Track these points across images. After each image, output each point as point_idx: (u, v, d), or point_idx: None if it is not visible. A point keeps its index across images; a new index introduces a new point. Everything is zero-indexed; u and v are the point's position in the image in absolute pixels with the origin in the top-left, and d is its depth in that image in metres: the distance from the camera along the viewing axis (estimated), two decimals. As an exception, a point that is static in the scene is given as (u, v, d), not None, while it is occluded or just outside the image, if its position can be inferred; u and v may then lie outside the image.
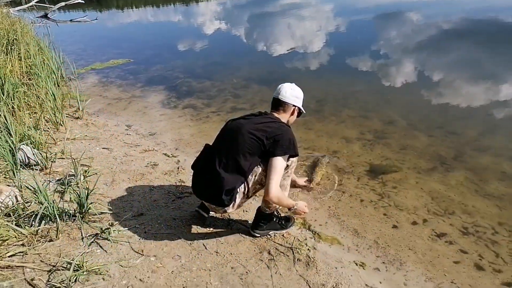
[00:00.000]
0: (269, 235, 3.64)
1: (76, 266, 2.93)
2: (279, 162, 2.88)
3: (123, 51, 12.56)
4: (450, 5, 16.63)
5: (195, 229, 3.73)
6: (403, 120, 6.28)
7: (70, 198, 3.81)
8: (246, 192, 3.14)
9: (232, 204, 3.03)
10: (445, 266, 3.33)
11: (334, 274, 3.14)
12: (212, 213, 3.85)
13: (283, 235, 3.67)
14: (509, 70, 8.10)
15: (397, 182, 4.59)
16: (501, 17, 12.88)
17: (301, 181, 4.45)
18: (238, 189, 2.97)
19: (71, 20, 21.03)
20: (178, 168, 4.95)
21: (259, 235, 3.46)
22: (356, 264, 3.33)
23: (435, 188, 4.43)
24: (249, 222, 3.75)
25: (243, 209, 4.03)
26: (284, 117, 3.28)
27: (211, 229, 3.74)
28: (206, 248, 3.44)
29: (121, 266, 3.12)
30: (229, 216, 3.96)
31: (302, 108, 3.36)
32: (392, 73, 8.61)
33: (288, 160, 3.05)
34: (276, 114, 3.24)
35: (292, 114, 3.28)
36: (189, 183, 4.33)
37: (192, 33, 15.87)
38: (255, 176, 3.02)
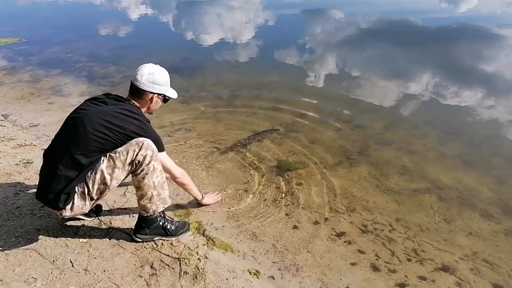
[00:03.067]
0: (155, 243, 3.14)
1: None
2: (161, 155, 2.84)
3: (16, 29, 10.86)
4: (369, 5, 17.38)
5: (64, 241, 3.09)
6: (315, 113, 6.15)
7: None
8: (87, 193, 2.63)
9: (69, 206, 2.61)
10: (342, 269, 3.15)
11: (224, 287, 2.75)
12: (89, 220, 3.25)
13: (171, 244, 3.19)
14: (417, 68, 8.49)
15: (303, 179, 4.38)
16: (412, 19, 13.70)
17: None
18: (76, 189, 2.57)
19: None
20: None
21: (141, 240, 3.04)
22: (250, 273, 2.99)
23: (339, 184, 4.30)
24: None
25: (129, 214, 3.46)
26: (143, 104, 2.88)
27: (85, 240, 3.13)
28: (73, 266, 2.84)
29: None
30: (111, 222, 3.38)
31: (167, 94, 2.94)
32: (310, 67, 8.56)
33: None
34: (134, 101, 2.83)
35: (151, 101, 2.86)
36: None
37: (110, 16, 14.42)
38: (97, 173, 2.52)
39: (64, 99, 6.32)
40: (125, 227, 3.35)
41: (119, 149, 2.58)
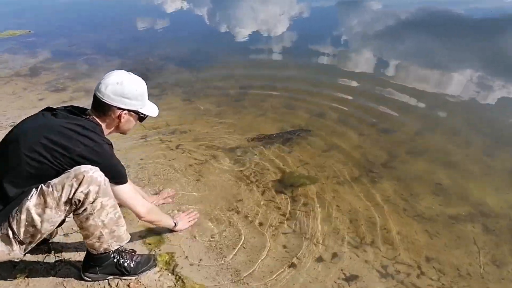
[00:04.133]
0: (109, 283, 2.47)
1: None
2: (121, 189, 2.21)
3: (25, 21, 10.57)
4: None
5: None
6: (335, 113, 5.27)
7: None
8: (13, 236, 1.94)
9: None
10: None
11: None
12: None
13: (129, 285, 2.51)
14: (459, 63, 7.34)
15: (310, 198, 3.57)
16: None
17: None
18: None
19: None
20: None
21: (90, 280, 2.51)
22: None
23: (355, 206, 3.44)
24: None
25: (80, 244, 2.81)
26: (108, 123, 2.27)
27: (23, 276, 2.50)
28: (-2, 314, 2.18)
29: None
30: (62, 252, 2.77)
31: (142, 111, 2.23)
32: (335, 60, 7.62)
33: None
34: (95, 117, 2.18)
35: (120, 119, 2.15)
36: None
37: (119, 7, 13.95)
38: (22, 213, 1.80)
39: (57, 95, 5.80)
40: (77, 259, 2.70)
41: (53, 181, 1.92)
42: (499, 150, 4.42)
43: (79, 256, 2.73)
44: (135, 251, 2.72)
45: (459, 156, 4.30)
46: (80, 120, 2.09)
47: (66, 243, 2.89)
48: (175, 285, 2.58)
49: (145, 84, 2.37)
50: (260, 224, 3.24)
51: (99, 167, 1.98)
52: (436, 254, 2.98)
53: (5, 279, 2.50)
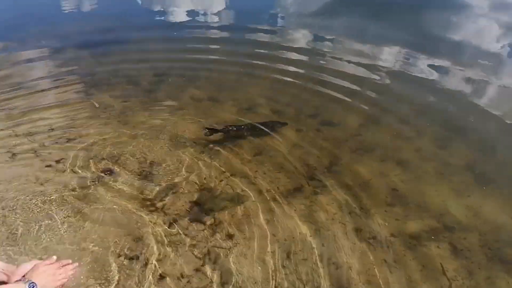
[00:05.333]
0: None
1: None
2: None
3: None
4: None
5: None
6: (267, 104, 4.36)
7: None
8: None
9: None
10: None
11: None
12: None
13: None
14: (401, 44, 6.78)
15: (236, 225, 2.67)
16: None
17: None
18: None
19: None
20: None
21: None
22: None
23: (292, 232, 2.60)
24: None
25: None
26: None
27: None
28: None
29: None
30: None
31: None
32: (266, 43, 6.66)
33: None
34: None
35: None
36: None
37: None
38: None
39: None
40: None
41: None
42: (452, 140, 3.85)
43: None
44: None
45: (411, 152, 3.66)
46: None
47: None
48: None
49: None
50: (162, 277, 2.25)
51: None
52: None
53: None
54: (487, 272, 2.43)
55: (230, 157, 3.43)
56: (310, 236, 2.65)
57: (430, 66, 5.59)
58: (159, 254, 2.40)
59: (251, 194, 2.99)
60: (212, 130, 3.64)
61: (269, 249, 2.52)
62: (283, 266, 2.41)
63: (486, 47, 6.87)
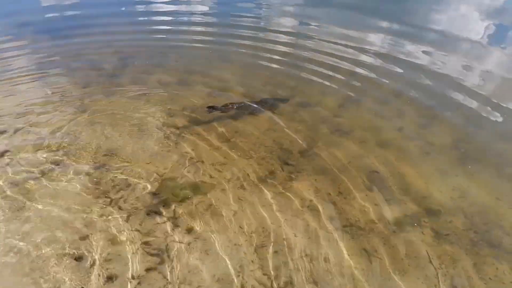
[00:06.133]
0: None
1: None
2: None
3: None
4: None
5: None
6: (241, 86, 4.08)
7: None
8: None
9: None
10: None
11: None
12: None
13: None
14: (380, 23, 6.50)
15: (201, 215, 2.37)
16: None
17: None
18: None
19: None
20: None
21: None
22: None
23: (266, 225, 2.32)
24: None
25: None
26: None
27: None
28: None
29: None
30: None
31: None
32: (242, 25, 6.28)
33: None
34: None
35: None
36: None
37: None
38: None
39: None
40: None
41: None
42: (435, 118, 3.62)
43: None
44: None
45: (393, 132, 3.41)
46: None
47: None
48: None
49: None
50: (109, 279, 1.96)
51: None
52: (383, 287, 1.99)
53: None
54: (473, 258, 2.22)
55: (198, 143, 3.13)
56: (282, 226, 2.39)
57: (409, 47, 5.35)
58: (109, 253, 2.10)
59: (218, 182, 2.71)
60: (213, 108, 3.49)
61: (235, 242, 2.25)
62: (251, 262, 2.14)
63: (467, 29, 6.64)
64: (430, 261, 2.17)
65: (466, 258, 2.21)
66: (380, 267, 2.15)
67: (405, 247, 2.29)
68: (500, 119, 3.50)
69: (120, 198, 2.51)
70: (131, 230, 2.27)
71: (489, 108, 3.68)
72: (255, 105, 3.54)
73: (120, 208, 2.43)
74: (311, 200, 2.61)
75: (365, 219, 2.48)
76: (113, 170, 2.75)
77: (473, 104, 3.76)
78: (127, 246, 2.16)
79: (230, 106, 3.50)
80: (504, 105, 3.67)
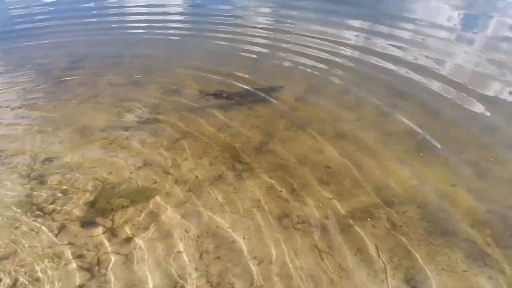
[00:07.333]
0: None
1: None
2: None
3: None
4: None
5: None
6: (194, 83, 3.90)
7: None
8: None
9: None
10: None
11: None
12: None
13: None
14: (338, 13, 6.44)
15: (143, 222, 2.21)
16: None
17: None
18: None
19: None
20: None
21: None
22: None
23: (209, 226, 2.18)
24: None
25: None
26: None
27: None
28: None
29: None
30: None
31: None
32: (194, 25, 6.12)
33: None
34: None
35: None
36: None
37: None
38: None
39: None
40: None
41: None
42: (394, 106, 3.56)
43: None
44: None
45: (351, 123, 3.32)
46: None
47: None
48: None
49: None
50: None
51: None
52: (330, 285, 1.87)
53: None
54: (427, 248, 2.13)
55: (146, 145, 2.97)
56: (230, 228, 2.25)
57: (367, 37, 5.28)
58: (35, 272, 1.91)
59: (164, 186, 2.55)
60: (205, 94, 3.54)
61: (178, 249, 2.09)
62: (195, 269, 2.00)
63: (430, 19, 6.65)
64: (379, 255, 2.07)
65: (419, 249, 2.13)
66: (331, 265, 2.04)
67: (357, 242, 2.19)
68: (457, 106, 3.45)
69: (54, 209, 2.31)
70: (63, 244, 2.08)
71: (447, 96, 3.63)
72: (256, 91, 3.60)
73: (53, 219, 2.24)
74: (262, 199, 2.48)
75: (318, 215, 2.37)
76: (50, 180, 2.55)
77: (432, 91, 3.71)
78: (57, 262, 1.97)
79: (220, 93, 3.54)
80: (462, 93, 3.63)
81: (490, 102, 3.45)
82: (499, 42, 4.82)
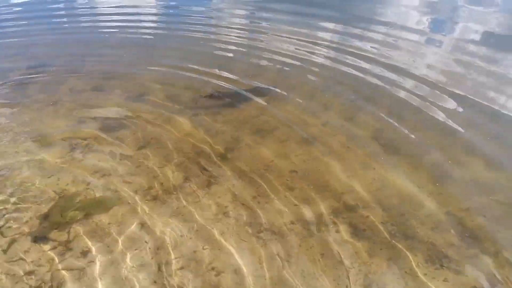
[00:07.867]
0: None
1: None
2: None
3: None
4: None
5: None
6: (159, 89, 3.83)
7: None
8: None
9: None
10: None
11: None
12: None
13: None
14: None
15: (99, 235, 2.12)
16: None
17: None
18: None
19: None
20: None
21: None
22: None
23: (169, 237, 2.13)
24: None
25: None
26: None
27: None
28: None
29: None
30: None
31: None
32: (161, 28, 6.03)
33: None
34: None
35: None
36: None
37: None
38: None
39: None
40: None
41: None
42: (360, 109, 3.60)
43: None
44: None
45: (317, 127, 3.33)
46: None
47: None
48: None
49: None
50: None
51: None
52: (291, 297, 1.85)
53: None
54: (389, 252, 2.14)
55: (108, 153, 2.86)
56: (192, 238, 2.19)
57: (339, 39, 5.36)
58: (-22, 293, 1.79)
59: (125, 195, 2.46)
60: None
61: (136, 262, 2.01)
62: (154, 282, 1.92)
63: (399, 21, 6.83)
64: (341, 261, 2.06)
65: (381, 253, 2.14)
66: (294, 273, 2.01)
67: (320, 248, 2.17)
68: (420, 110, 3.52)
69: (4, 224, 2.18)
70: (12, 261, 1.96)
71: (411, 100, 3.70)
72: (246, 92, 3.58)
73: (2, 234, 2.11)
74: (226, 207, 2.44)
75: (281, 222, 2.34)
76: (1, 192, 2.41)
77: (398, 96, 3.77)
78: (3, 281, 1.86)
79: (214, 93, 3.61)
80: (426, 97, 3.71)
81: (453, 105, 3.55)
82: (465, 44, 4.98)
